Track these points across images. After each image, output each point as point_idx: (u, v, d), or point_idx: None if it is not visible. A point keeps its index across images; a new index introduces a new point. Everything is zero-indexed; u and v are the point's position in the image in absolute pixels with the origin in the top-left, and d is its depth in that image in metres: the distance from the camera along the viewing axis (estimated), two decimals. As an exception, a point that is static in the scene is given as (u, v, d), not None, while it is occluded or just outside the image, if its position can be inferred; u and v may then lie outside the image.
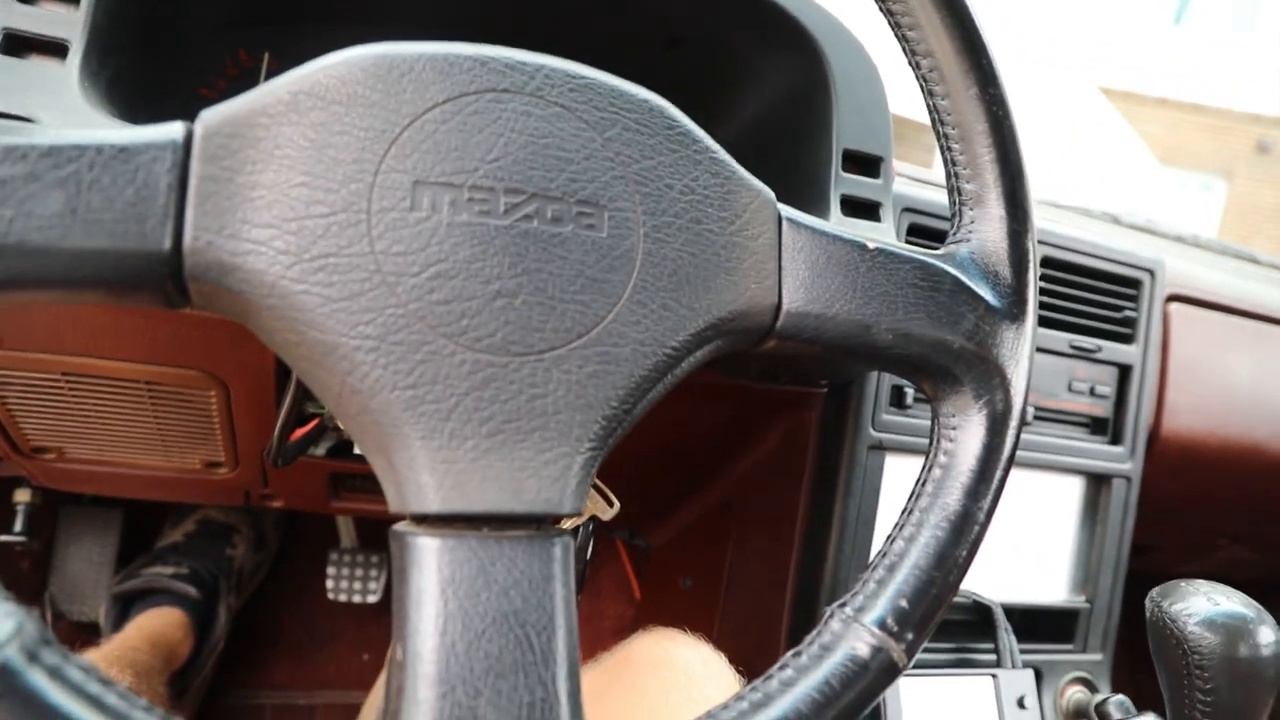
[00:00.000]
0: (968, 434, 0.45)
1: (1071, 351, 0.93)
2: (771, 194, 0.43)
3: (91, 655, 1.01)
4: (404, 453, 0.35)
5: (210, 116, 0.35)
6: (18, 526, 1.10)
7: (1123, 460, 0.97)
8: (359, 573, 1.43)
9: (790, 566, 0.87)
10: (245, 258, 0.34)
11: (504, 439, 0.36)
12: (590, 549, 0.68)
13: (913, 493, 0.44)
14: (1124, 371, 0.97)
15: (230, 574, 1.33)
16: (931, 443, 0.45)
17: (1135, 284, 0.97)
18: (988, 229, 0.47)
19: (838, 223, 0.61)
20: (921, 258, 0.44)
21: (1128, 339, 0.97)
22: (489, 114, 0.37)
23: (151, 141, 0.34)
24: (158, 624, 1.19)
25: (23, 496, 1.11)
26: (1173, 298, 1.05)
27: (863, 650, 0.40)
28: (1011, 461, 0.45)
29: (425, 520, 0.35)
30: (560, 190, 0.37)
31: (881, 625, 0.41)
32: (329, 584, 1.42)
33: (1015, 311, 0.46)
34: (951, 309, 0.44)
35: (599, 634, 1.42)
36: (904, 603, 0.41)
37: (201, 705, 1.30)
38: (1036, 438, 0.91)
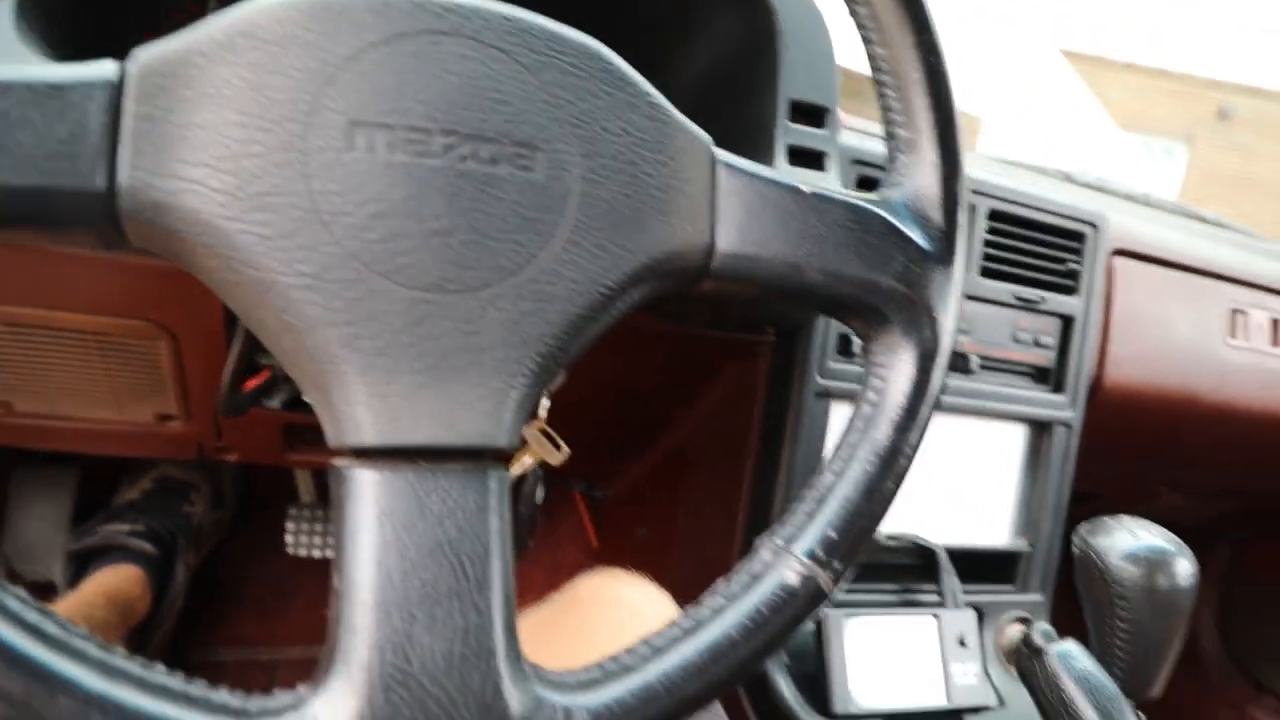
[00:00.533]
0: (897, 372, 0.46)
1: (1016, 302, 0.95)
2: (708, 138, 0.43)
3: None
4: (340, 388, 0.36)
5: (145, 55, 0.35)
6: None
7: (1064, 408, 0.99)
8: (318, 527, 1.43)
9: (739, 513, 0.89)
10: (180, 197, 0.34)
11: (439, 374, 0.36)
12: (541, 494, 0.69)
13: (844, 430, 0.46)
14: (1067, 322, 0.99)
15: (189, 531, 1.32)
16: (863, 383, 0.47)
17: (1079, 237, 0.99)
18: (920, 174, 0.48)
19: (784, 173, 0.62)
20: (854, 201, 0.46)
21: (1071, 290, 0.99)
22: (425, 55, 0.37)
23: (84, 79, 0.34)
24: (114, 580, 1.19)
25: (-29, 453, 1.10)
26: (1117, 252, 1.08)
27: (791, 578, 0.42)
28: (937, 399, 0.46)
29: (362, 454, 0.36)
30: (496, 132, 0.38)
31: (811, 555, 0.42)
32: (288, 539, 1.43)
33: (944, 254, 0.47)
34: (882, 251, 0.45)
35: (557, 583, 1.44)
36: (832, 533, 0.43)
37: (162, 662, 1.30)
38: (981, 386, 0.94)
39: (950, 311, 0.47)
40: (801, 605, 0.41)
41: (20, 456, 1.33)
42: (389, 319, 0.36)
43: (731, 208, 0.43)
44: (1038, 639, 0.55)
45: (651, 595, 0.65)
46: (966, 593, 0.91)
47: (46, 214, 0.34)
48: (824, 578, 0.42)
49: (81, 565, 1.23)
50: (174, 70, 0.35)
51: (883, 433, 0.45)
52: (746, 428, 0.88)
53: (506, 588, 0.36)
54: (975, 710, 0.86)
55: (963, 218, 0.48)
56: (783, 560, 0.42)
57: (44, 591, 1.34)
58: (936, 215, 0.48)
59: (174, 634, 1.30)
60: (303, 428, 0.99)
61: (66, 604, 1.07)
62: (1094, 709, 0.51)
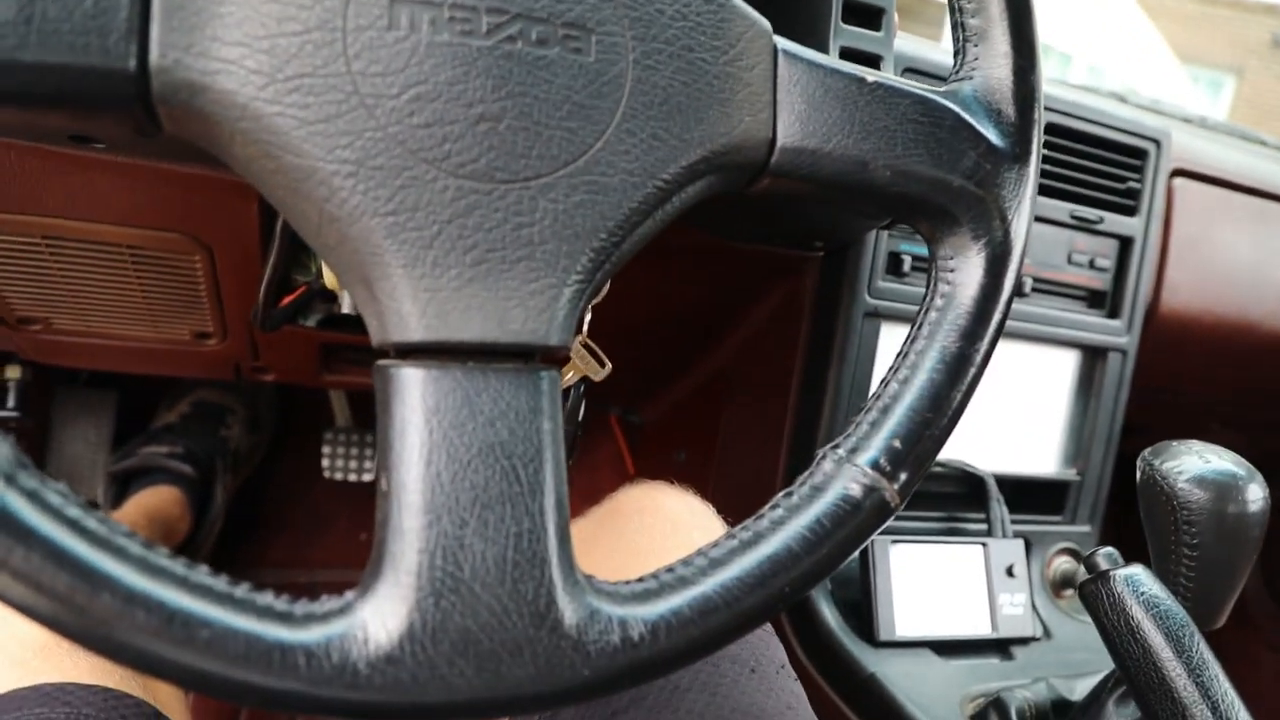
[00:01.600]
0: (966, 275, 0.43)
1: (1072, 222, 0.91)
2: (768, 25, 0.40)
3: None
4: (385, 282, 0.34)
5: None
6: (10, 403, 1.10)
7: (1119, 334, 0.96)
8: (354, 451, 1.44)
9: (783, 437, 0.88)
10: (215, 77, 0.32)
11: (489, 268, 0.35)
12: (582, 412, 0.67)
13: (909, 335, 0.44)
14: (1125, 244, 0.95)
15: (226, 454, 1.33)
16: (928, 286, 0.44)
17: (1140, 154, 0.95)
18: (992, 66, 0.44)
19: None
20: (923, 93, 0.43)
21: (1130, 211, 0.95)
22: None
23: None
24: (155, 501, 1.20)
25: (13, 373, 1.11)
26: (1177, 172, 1.03)
27: (855, 490, 0.40)
28: (1010, 304, 0.44)
29: (408, 351, 0.35)
30: (545, 11, 0.35)
31: (875, 465, 0.40)
32: (324, 463, 1.43)
33: (1018, 151, 0.44)
34: (952, 146, 0.42)
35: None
36: (898, 443, 0.41)
37: None
38: (1033, 309, 0.90)
39: (1024, 213, 0.44)
40: (866, 518, 0.40)
41: (61, 379, 1.34)
42: (436, 209, 0.34)
43: (794, 99, 0.40)
44: (1102, 562, 0.53)
45: (694, 506, 0.64)
46: (1014, 522, 0.89)
47: (78, 94, 0.32)
48: (889, 490, 0.40)
49: (122, 486, 1.25)
50: None
51: (950, 339, 0.43)
52: (792, 349, 0.86)
53: (560, 493, 0.35)
54: (1021, 641, 0.85)
55: (1039, 112, 0.45)
56: (846, 471, 0.40)
57: (87, 512, 1.35)
58: (1009, 109, 0.44)
59: (213, 558, 1.32)
60: (339, 348, 0.98)
61: None
62: (1163, 635, 0.49)
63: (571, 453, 0.85)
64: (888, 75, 0.43)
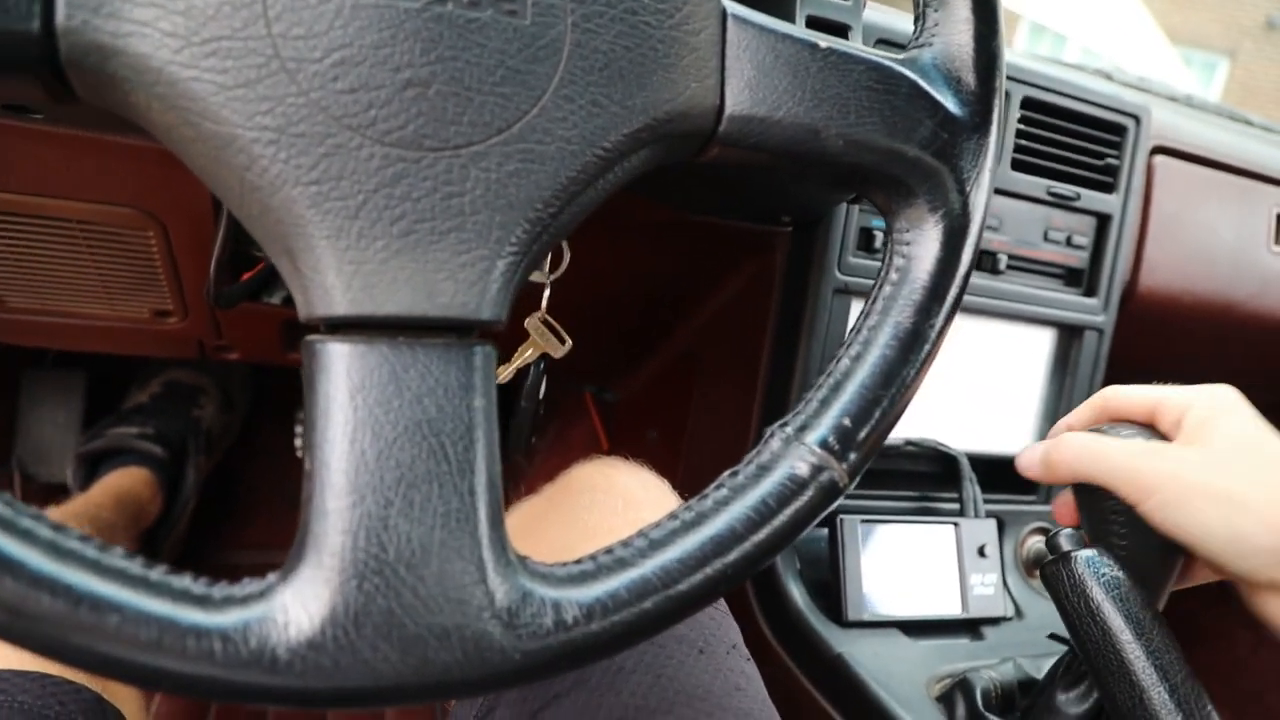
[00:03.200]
0: (921, 249, 0.42)
1: (1049, 198, 0.90)
2: None
3: (54, 514, 1.00)
4: (309, 254, 0.33)
5: None
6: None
7: (1096, 313, 0.95)
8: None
9: (752, 415, 0.86)
10: (128, 40, 0.31)
11: (417, 239, 0.33)
12: (543, 389, 0.66)
13: (862, 310, 0.42)
14: (1103, 221, 0.94)
15: (198, 434, 1.31)
16: (884, 260, 0.43)
17: (1119, 130, 0.93)
18: (952, 32, 0.43)
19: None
20: (878, 60, 0.41)
21: (1108, 188, 0.94)
22: None
23: None
24: (125, 482, 1.18)
25: (-28, 354, 1.09)
26: (1158, 149, 1.02)
27: (802, 469, 0.38)
28: (967, 279, 0.43)
29: (334, 326, 0.33)
30: None
31: (824, 445, 0.39)
32: (297, 442, 1.42)
33: (978, 120, 0.43)
34: (908, 115, 0.41)
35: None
36: (848, 422, 0.40)
37: (174, 564, 1.30)
38: (1008, 286, 0.89)
39: (983, 185, 0.43)
40: (813, 499, 0.38)
41: (28, 359, 1.32)
42: (361, 178, 0.33)
43: (742, 65, 0.39)
44: (1064, 543, 0.52)
45: (647, 481, 0.62)
46: (986, 502, 0.89)
47: None
48: (839, 470, 0.39)
49: (91, 468, 1.23)
50: None
51: (905, 314, 0.41)
52: (761, 326, 0.85)
53: (491, 472, 0.34)
54: (992, 621, 0.84)
55: (1000, 80, 0.44)
56: (794, 450, 0.39)
57: (58, 493, 1.34)
58: (969, 77, 0.43)
59: (187, 538, 1.31)
60: (305, 325, 0.96)
61: (73, 506, 1.06)
62: (1123, 617, 0.48)
63: (534, 431, 0.84)
64: (841, 41, 0.41)
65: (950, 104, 0.42)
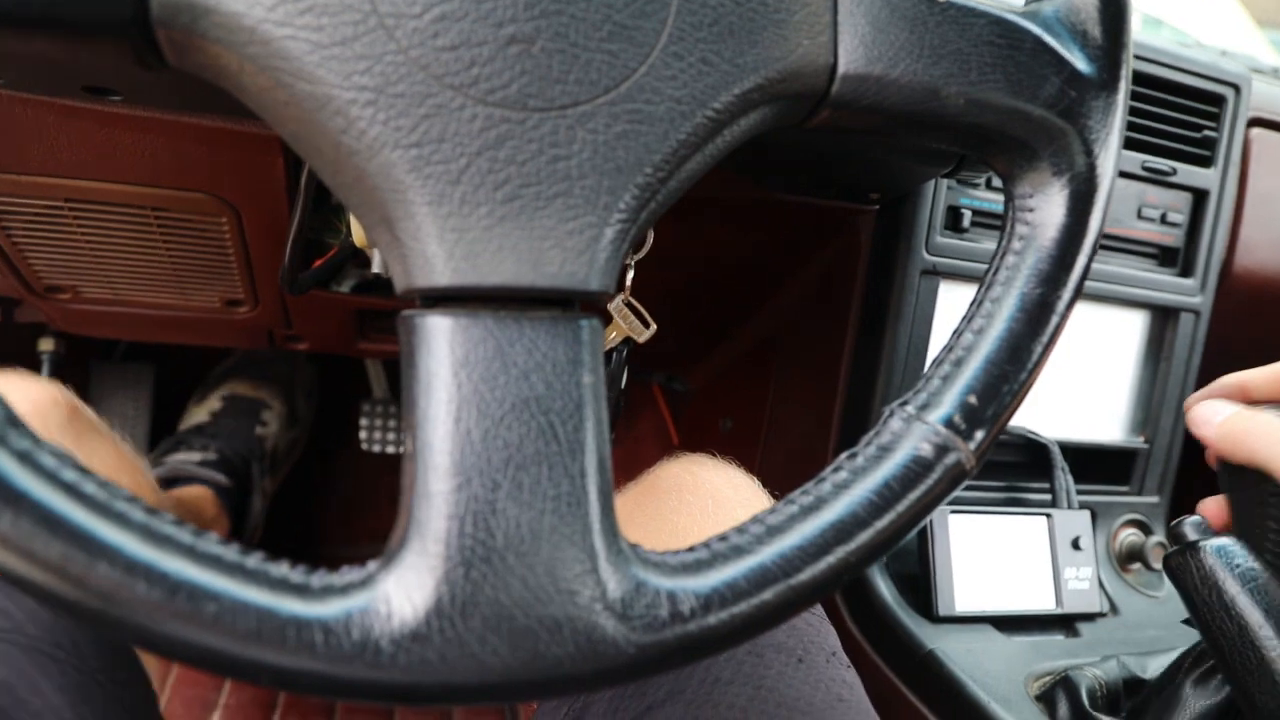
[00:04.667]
0: (1047, 215, 0.39)
1: (1144, 173, 0.85)
2: None
3: None
4: (409, 221, 0.31)
5: None
6: (44, 375, 1.09)
7: (1192, 294, 0.90)
8: (392, 423, 1.41)
9: (835, 402, 0.83)
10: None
11: (522, 205, 0.31)
12: (625, 378, 0.64)
13: (983, 282, 0.40)
14: (1199, 197, 0.89)
15: (262, 456, 1.24)
16: (1005, 228, 0.40)
17: (1218, 100, 0.88)
18: None
19: None
20: (1000, 13, 0.38)
21: (1206, 161, 0.89)
22: None
23: None
24: (188, 495, 1.12)
25: (46, 345, 1.10)
26: (1255, 121, 0.96)
27: (926, 450, 0.36)
28: (1096, 247, 0.40)
29: (435, 299, 0.31)
30: None
31: (948, 423, 0.36)
32: (362, 435, 1.41)
33: (1106, 78, 0.40)
34: (1033, 71, 0.38)
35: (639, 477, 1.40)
36: (973, 399, 0.37)
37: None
38: (1099, 266, 0.85)
39: (1112, 146, 0.40)
40: (939, 482, 0.36)
41: (96, 353, 1.33)
42: (463, 140, 0.31)
43: (857, 20, 0.36)
44: (1190, 532, 0.49)
45: (736, 480, 0.60)
46: (1078, 493, 0.85)
47: (72, 15, 0.29)
48: (964, 451, 0.36)
49: None
50: None
51: (1031, 285, 0.39)
52: (845, 310, 0.82)
53: (602, 453, 0.32)
54: (1087, 617, 0.80)
55: (1129, 35, 0.41)
56: (916, 430, 0.36)
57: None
58: (1096, 31, 0.40)
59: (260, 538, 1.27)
60: (374, 314, 0.95)
61: None
62: (1262, 611, 0.45)
63: (614, 420, 0.82)
64: None
65: (1077, 60, 0.39)
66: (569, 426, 0.31)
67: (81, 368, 1.32)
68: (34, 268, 0.78)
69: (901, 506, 0.35)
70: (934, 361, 0.39)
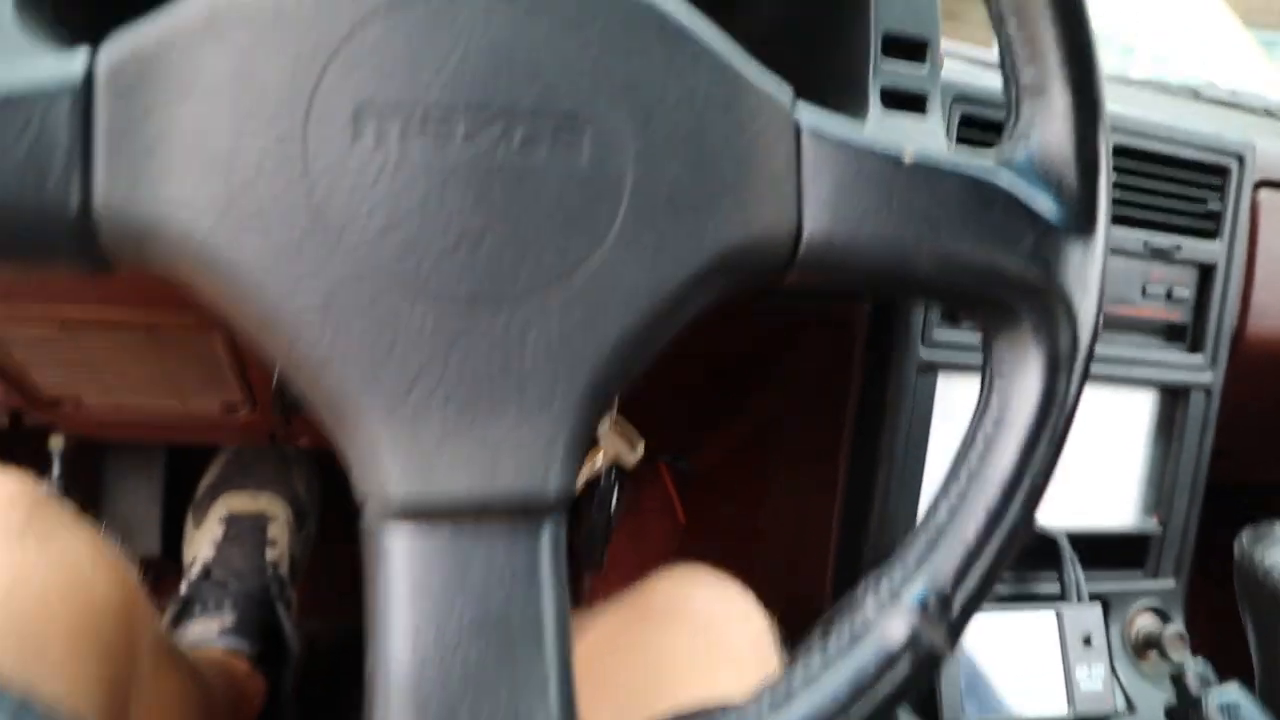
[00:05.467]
0: (1023, 383, 0.38)
1: (1146, 251, 0.84)
2: (788, 98, 0.36)
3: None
4: (362, 433, 0.31)
5: (115, 46, 0.29)
6: (55, 473, 1.10)
7: (1202, 370, 0.88)
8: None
9: (835, 495, 0.82)
10: (166, 218, 0.29)
11: (475, 415, 0.31)
12: (615, 502, 0.63)
13: (960, 451, 0.39)
14: (1205, 271, 0.87)
15: (279, 582, 1.16)
16: (983, 390, 0.39)
17: (1221, 172, 0.87)
18: (1050, 126, 0.39)
19: (878, 118, 0.54)
20: (969, 170, 0.37)
21: (1210, 234, 0.87)
22: (443, 17, 0.31)
23: (45, 86, 0.28)
24: (216, 657, 1.03)
25: (55, 443, 1.10)
26: (1262, 183, 0.94)
27: (898, 636, 0.35)
28: (1075, 411, 0.39)
29: (391, 510, 0.31)
30: (530, 107, 0.31)
31: (922, 606, 0.35)
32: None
33: (1083, 226, 0.39)
34: (1005, 229, 0.37)
35: (642, 556, 1.38)
36: (948, 579, 0.36)
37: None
38: (1105, 349, 0.83)
39: (1091, 299, 0.39)
40: (911, 670, 0.35)
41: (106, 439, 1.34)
42: (414, 346, 0.30)
43: (821, 183, 0.36)
44: (1193, 685, 0.47)
45: (730, 603, 0.59)
46: (1090, 580, 0.82)
47: (17, 243, 0.29)
48: (938, 635, 0.35)
49: None
50: (149, 61, 0.29)
51: (1007, 457, 0.38)
52: (842, 401, 0.81)
53: (563, 663, 0.31)
54: (1102, 719, 0.78)
55: (1106, 178, 0.40)
56: (887, 615, 0.35)
57: (145, 567, 1.33)
58: (1071, 177, 0.39)
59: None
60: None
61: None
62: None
63: (601, 562, 0.81)
64: (928, 148, 0.38)
65: (1052, 210, 0.38)
66: (530, 643, 0.30)
67: (95, 455, 1.32)
68: (35, 384, 0.79)
69: (875, 697, 0.34)
70: (912, 533, 0.38)
